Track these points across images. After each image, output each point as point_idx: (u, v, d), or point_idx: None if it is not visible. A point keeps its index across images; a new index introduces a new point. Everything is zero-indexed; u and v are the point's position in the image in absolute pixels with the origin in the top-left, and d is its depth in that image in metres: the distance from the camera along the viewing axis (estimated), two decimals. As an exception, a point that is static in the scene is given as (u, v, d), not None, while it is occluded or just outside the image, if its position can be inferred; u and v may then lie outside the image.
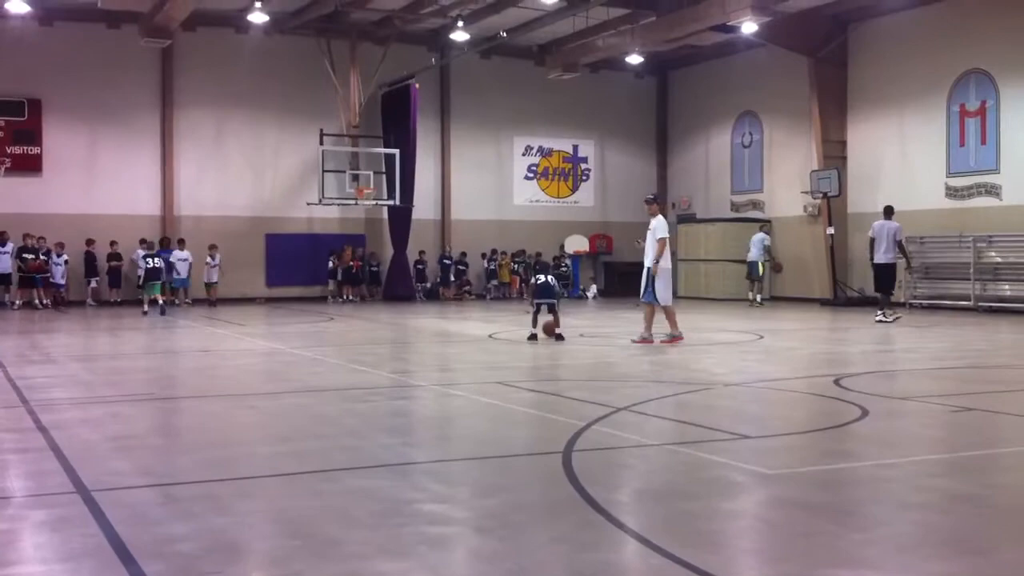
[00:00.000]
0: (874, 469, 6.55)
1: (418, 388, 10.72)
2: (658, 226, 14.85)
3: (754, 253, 25.92)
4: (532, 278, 15.96)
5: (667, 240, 14.77)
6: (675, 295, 29.80)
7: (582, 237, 31.71)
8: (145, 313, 22.12)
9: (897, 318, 19.48)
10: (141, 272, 23.14)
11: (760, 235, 26.33)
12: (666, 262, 14.85)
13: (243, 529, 5.18)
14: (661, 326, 15.02)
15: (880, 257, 19.55)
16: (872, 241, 19.66)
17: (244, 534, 5.11)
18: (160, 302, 22.80)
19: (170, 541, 4.84)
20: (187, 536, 4.92)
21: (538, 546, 4.83)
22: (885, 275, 19.66)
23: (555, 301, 15.34)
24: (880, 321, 19.13)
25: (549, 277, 15.75)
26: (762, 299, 25.79)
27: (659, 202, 15.42)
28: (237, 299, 27.31)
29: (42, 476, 6.30)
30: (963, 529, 5.18)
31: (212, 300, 26.43)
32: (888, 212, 19.94)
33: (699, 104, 32.21)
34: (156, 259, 22.91)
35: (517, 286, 30.60)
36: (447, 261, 30.16)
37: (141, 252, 24.24)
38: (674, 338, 14.85)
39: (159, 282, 22.96)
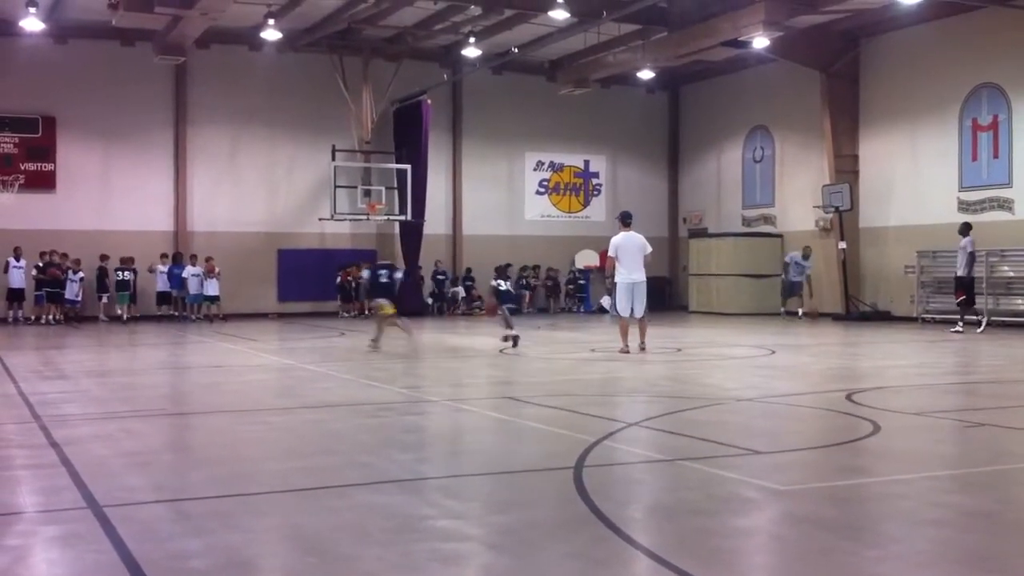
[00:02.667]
0: (887, 485, 6.52)
1: (430, 403, 10.71)
2: (610, 244, 15.93)
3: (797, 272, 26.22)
4: (494, 282, 18.22)
5: (613, 257, 15.71)
6: (687, 310, 30.24)
7: (593, 252, 31.67)
8: (123, 320, 25.57)
9: (957, 331, 20.27)
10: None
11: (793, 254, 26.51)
12: (618, 277, 15.65)
13: (256, 545, 5.18)
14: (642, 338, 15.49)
15: (959, 271, 20.83)
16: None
17: (257, 550, 5.11)
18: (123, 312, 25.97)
19: (182, 557, 4.85)
20: (199, 552, 4.92)
21: (551, 563, 4.82)
22: (960, 288, 20.79)
23: (514, 305, 17.14)
24: (956, 331, 20.26)
25: (508, 283, 17.97)
26: (787, 312, 25.86)
27: (622, 220, 16.15)
28: (249, 314, 27.37)
29: (54, 492, 6.31)
30: (978, 546, 5.15)
31: (219, 315, 26.51)
32: (962, 229, 20.86)
33: (710, 119, 32.21)
34: (127, 272, 26.03)
35: (527, 301, 30.65)
36: (441, 276, 29.97)
37: (162, 267, 26.79)
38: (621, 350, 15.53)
39: (128, 292, 26.13)
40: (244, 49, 27.74)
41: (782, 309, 26.13)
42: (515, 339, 16.35)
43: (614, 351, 15.70)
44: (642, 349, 15.67)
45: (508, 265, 30.55)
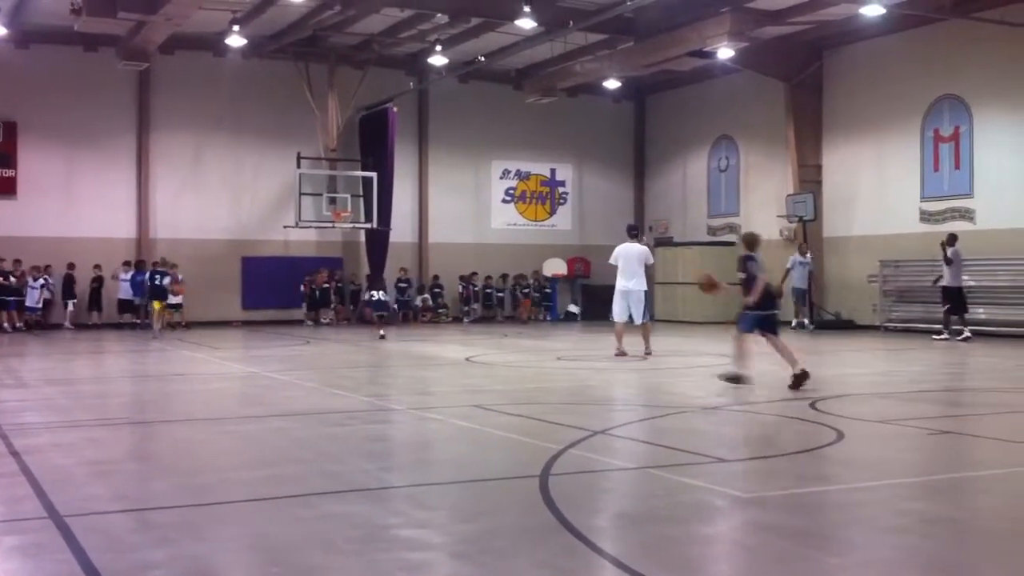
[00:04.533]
0: (850, 493, 6.57)
1: (396, 412, 10.68)
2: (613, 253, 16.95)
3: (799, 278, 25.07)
4: (367, 294, 23.07)
5: (613, 266, 16.80)
6: (652, 318, 30.19)
7: (560, 260, 31.75)
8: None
9: (966, 338, 20.64)
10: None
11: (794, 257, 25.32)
12: (617, 284, 16.65)
13: (220, 555, 5.14)
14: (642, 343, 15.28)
15: (946, 281, 21.29)
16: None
17: (221, 561, 5.07)
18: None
19: (145, 568, 4.80)
20: (162, 563, 4.87)
21: (518, 572, 4.82)
22: (950, 297, 21.29)
23: (385, 313, 21.47)
24: (942, 339, 20.88)
25: (381, 293, 22.33)
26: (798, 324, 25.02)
27: (627, 231, 17.37)
28: (213, 322, 27.16)
29: (14, 502, 6.23)
30: (940, 553, 5.20)
31: (182, 323, 26.29)
32: (948, 240, 21.25)
33: (676, 128, 32.37)
34: (50, 282, 25.77)
35: (528, 309, 30.67)
36: (403, 284, 29.73)
37: (124, 274, 26.30)
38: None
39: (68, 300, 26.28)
40: (209, 55, 27.55)
41: (793, 321, 24.88)
42: (382, 337, 20.63)
43: (581, 359, 15.75)
44: (647, 354, 16.11)
45: (474, 273, 30.66)
